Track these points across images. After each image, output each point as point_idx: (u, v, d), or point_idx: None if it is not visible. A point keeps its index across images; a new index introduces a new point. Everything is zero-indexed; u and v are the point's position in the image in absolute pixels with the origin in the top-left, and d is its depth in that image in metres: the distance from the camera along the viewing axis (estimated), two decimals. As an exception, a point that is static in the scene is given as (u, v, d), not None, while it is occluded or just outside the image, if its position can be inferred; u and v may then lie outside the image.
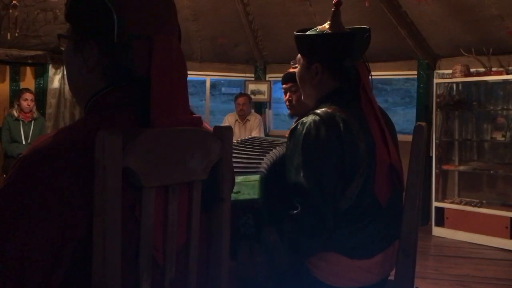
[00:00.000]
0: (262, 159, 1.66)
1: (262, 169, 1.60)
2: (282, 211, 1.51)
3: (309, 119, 1.56)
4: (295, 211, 1.46)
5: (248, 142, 1.81)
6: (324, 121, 1.53)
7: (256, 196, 1.52)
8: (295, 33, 1.72)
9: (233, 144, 1.76)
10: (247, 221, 1.53)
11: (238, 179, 1.56)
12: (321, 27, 1.69)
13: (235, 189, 1.54)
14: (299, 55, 1.75)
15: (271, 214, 1.54)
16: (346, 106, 1.59)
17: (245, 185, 1.55)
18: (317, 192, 1.46)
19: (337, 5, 1.68)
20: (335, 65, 1.66)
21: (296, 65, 1.80)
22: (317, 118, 1.54)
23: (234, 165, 1.63)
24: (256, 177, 1.57)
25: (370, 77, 1.69)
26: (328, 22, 1.68)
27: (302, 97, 1.82)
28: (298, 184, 1.47)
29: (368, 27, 1.70)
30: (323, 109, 1.57)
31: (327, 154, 1.50)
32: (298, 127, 1.56)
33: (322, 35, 1.66)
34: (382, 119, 1.65)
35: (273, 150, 1.71)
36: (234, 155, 1.69)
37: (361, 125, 1.56)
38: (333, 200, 1.49)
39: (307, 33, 1.71)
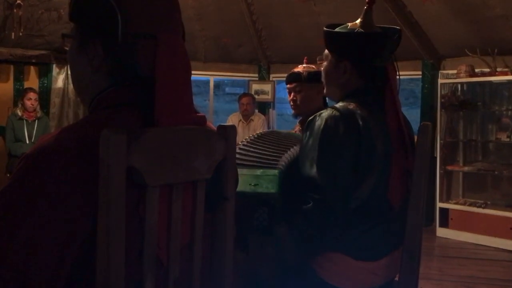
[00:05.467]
0: (281, 155, 1.64)
1: (281, 165, 1.59)
2: (296, 205, 1.49)
3: (327, 112, 1.52)
4: (306, 205, 1.44)
5: (265, 138, 1.78)
6: (344, 117, 1.49)
7: (273, 191, 1.52)
8: (324, 29, 1.67)
9: (251, 138, 1.76)
10: (262, 215, 1.53)
11: (257, 172, 1.57)
12: (351, 24, 1.65)
13: (254, 181, 1.55)
14: (326, 51, 1.70)
15: (287, 210, 1.52)
16: (369, 105, 1.56)
17: (264, 179, 1.55)
18: (330, 188, 1.44)
19: (370, 3, 1.64)
20: (365, 65, 1.62)
21: (322, 62, 1.75)
22: (336, 113, 1.51)
23: (253, 158, 1.64)
24: (275, 171, 1.56)
25: (398, 78, 1.65)
26: (360, 20, 1.63)
27: (325, 93, 1.77)
28: (312, 178, 1.45)
29: (398, 27, 1.67)
30: (342, 105, 1.54)
31: (344, 150, 1.48)
32: (316, 119, 1.53)
33: (355, 33, 1.62)
34: (403, 122, 1.61)
35: (291, 149, 1.69)
36: (252, 148, 1.69)
37: (381, 126, 1.53)
38: (346, 197, 1.47)
39: (336, 29, 1.66)
